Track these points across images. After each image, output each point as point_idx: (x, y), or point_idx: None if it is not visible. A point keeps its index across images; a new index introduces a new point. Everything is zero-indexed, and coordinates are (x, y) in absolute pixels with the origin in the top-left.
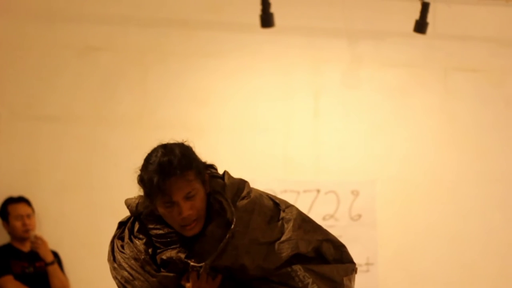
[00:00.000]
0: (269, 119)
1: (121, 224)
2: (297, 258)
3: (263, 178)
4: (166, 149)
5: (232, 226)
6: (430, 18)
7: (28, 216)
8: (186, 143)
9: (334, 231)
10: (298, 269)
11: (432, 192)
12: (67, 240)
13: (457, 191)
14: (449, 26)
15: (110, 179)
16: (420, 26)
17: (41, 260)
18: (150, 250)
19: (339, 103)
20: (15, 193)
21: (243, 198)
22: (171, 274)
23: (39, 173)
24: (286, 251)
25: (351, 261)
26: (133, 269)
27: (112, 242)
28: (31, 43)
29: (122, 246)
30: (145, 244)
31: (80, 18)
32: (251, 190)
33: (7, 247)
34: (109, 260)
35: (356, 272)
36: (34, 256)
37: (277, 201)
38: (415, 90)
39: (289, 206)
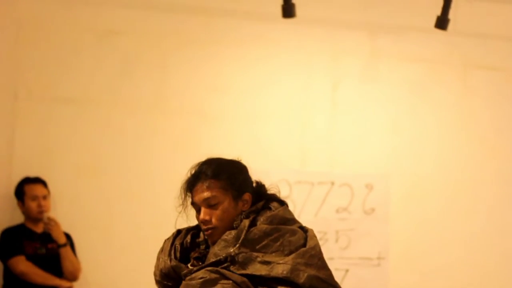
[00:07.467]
0: (286, 109)
1: None
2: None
3: (278, 168)
4: (208, 159)
5: (233, 248)
6: (451, 15)
7: (44, 197)
8: (239, 161)
9: (347, 224)
10: None
11: (447, 190)
12: (81, 223)
13: (472, 189)
14: (470, 23)
15: (126, 163)
16: (442, 22)
17: (54, 242)
18: (192, 241)
19: (357, 96)
20: (31, 174)
21: (271, 224)
22: (185, 267)
23: (55, 155)
24: (276, 269)
25: None
26: (164, 249)
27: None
28: (51, 25)
29: (179, 232)
30: (191, 235)
31: (101, 1)
32: (291, 225)
33: (21, 227)
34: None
35: None
36: (46, 237)
37: (308, 242)
38: (434, 86)
39: (311, 241)
